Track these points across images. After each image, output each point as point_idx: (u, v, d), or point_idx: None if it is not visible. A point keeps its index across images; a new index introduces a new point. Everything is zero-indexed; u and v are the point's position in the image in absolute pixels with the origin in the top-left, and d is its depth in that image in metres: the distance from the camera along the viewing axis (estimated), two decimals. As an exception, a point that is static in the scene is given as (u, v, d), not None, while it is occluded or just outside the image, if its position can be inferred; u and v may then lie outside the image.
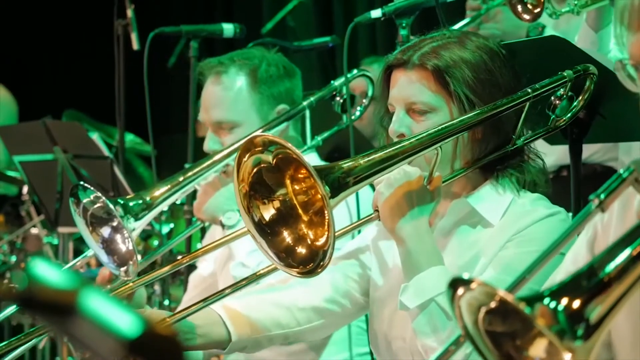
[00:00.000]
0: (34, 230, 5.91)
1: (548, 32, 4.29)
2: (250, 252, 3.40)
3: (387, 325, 2.72)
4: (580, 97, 2.77)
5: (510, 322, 1.65)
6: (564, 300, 1.61)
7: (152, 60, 4.28)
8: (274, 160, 2.39)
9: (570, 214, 2.70)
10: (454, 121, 2.57)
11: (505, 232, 2.59)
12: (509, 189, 2.65)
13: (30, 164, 4.69)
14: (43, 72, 8.25)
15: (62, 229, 4.78)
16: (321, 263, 2.38)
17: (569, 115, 2.78)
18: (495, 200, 2.64)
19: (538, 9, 3.18)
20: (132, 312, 1.06)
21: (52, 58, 8.30)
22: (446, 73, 2.60)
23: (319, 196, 2.39)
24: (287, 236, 2.44)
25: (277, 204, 2.45)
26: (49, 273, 1.10)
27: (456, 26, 4.40)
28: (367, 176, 2.44)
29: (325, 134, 3.64)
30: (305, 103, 3.59)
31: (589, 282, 1.65)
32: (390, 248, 2.74)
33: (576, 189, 2.94)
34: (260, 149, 2.38)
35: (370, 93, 3.72)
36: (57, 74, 8.21)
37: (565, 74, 2.74)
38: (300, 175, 2.43)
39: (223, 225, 3.43)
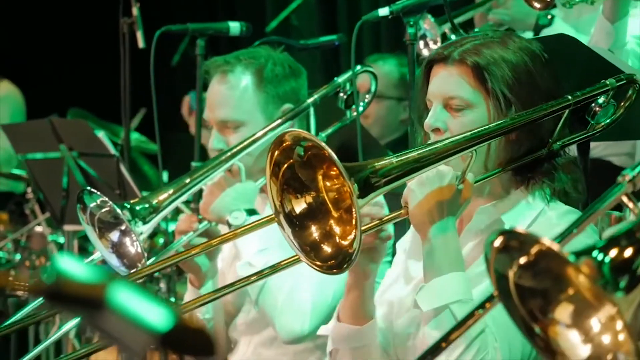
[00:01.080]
0: (39, 229, 5.92)
1: (557, 21, 4.30)
2: (258, 252, 3.40)
3: (399, 324, 2.73)
4: (621, 104, 2.77)
5: (542, 278, 1.67)
6: (611, 252, 1.64)
7: (157, 59, 4.29)
8: (306, 156, 2.41)
9: (597, 229, 2.70)
10: (491, 125, 2.58)
11: None
12: (540, 198, 2.65)
13: (36, 162, 4.70)
14: (48, 70, 8.24)
15: (67, 227, 4.79)
16: (346, 264, 2.39)
17: (608, 122, 2.77)
18: (523, 209, 2.65)
19: None
20: (163, 305, 1.06)
21: (57, 56, 8.28)
22: (486, 70, 2.60)
23: (349, 194, 2.39)
24: (314, 231, 2.45)
25: (309, 199, 2.46)
26: (76, 268, 1.10)
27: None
28: (398, 176, 2.45)
29: (329, 130, 3.64)
30: (309, 101, 3.59)
31: (629, 241, 1.68)
32: (419, 266, 2.70)
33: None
34: (290, 144, 2.39)
35: (373, 89, 3.73)
36: (62, 72, 8.21)
37: (608, 83, 2.73)
38: (332, 172, 2.44)
39: (230, 225, 3.44)
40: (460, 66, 2.63)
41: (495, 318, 2.45)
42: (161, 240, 5.11)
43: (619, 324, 1.63)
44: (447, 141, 2.54)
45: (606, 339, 1.65)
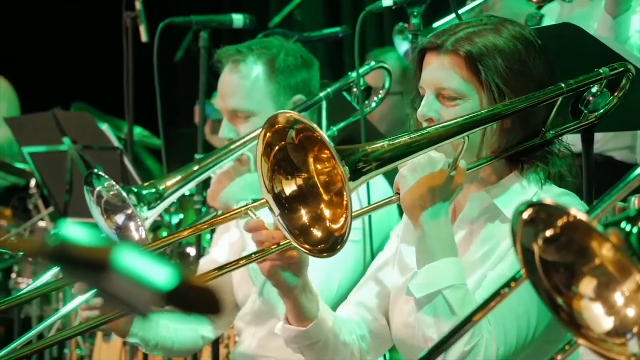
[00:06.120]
0: (42, 223, 5.92)
1: (546, 21, 4.30)
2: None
3: (397, 313, 2.73)
4: (615, 94, 2.75)
5: (567, 251, 1.66)
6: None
7: (160, 53, 4.29)
8: (298, 139, 2.39)
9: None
10: (483, 111, 2.56)
11: None
12: (534, 182, 2.64)
13: (40, 155, 4.69)
14: (51, 64, 8.25)
15: (71, 220, 4.78)
16: (338, 246, 2.37)
17: (601, 111, 2.75)
18: (517, 194, 2.63)
19: None
20: (167, 264, 1.06)
21: (60, 50, 8.30)
22: (478, 61, 2.58)
23: (340, 177, 2.38)
24: (304, 214, 2.44)
25: (299, 181, 2.45)
26: (80, 232, 1.10)
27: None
28: (390, 160, 2.44)
29: (341, 124, 3.63)
30: (321, 94, 3.58)
31: None
32: (412, 251, 2.69)
33: (588, 177, 2.93)
34: (283, 126, 2.38)
35: (387, 85, 3.72)
36: (65, 66, 8.22)
37: (602, 71, 2.72)
38: (323, 155, 2.42)
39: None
40: (452, 57, 2.61)
41: None
42: (164, 234, 5.11)
43: None
44: (439, 126, 2.53)
45: (631, 312, 1.64)
